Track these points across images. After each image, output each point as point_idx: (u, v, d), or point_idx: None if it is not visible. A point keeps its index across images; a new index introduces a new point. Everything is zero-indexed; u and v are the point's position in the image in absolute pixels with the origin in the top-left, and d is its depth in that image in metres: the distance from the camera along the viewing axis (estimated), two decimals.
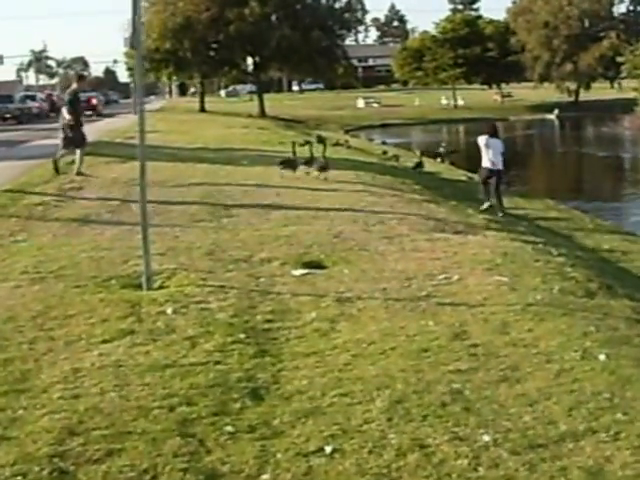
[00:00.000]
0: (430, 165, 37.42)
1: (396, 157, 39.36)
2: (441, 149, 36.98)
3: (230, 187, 19.89)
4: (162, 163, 24.02)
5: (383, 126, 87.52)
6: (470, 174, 35.82)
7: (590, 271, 12.85)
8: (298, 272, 10.87)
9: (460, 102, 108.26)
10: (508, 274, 11.02)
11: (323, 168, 21.78)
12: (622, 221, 28.76)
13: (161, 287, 10.22)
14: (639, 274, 15.97)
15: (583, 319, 9.10)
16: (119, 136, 36.66)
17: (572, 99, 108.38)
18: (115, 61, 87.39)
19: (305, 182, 20.77)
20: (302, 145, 24.22)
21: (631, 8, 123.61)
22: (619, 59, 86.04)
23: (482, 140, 21.24)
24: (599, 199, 35.45)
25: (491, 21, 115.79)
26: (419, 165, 34.13)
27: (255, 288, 10.13)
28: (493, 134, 21.54)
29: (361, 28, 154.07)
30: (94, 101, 73.34)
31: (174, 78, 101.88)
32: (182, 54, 79.71)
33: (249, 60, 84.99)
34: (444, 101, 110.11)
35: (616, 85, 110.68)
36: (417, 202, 19.14)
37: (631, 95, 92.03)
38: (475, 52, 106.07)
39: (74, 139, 22.55)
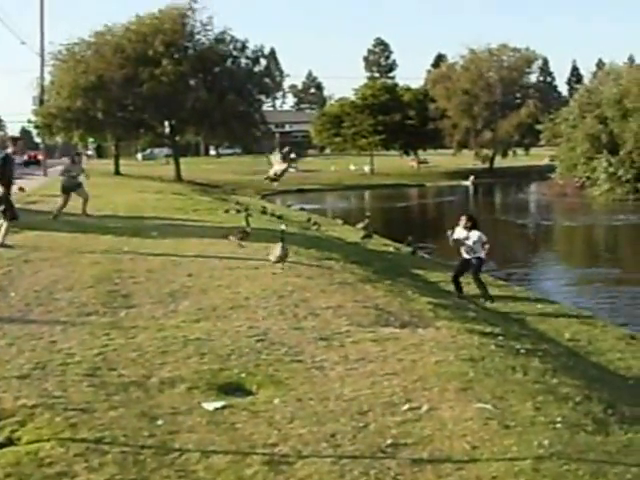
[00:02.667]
0: (351, 233, 35.27)
1: (318, 225, 36.90)
2: (366, 220, 34.88)
3: (134, 266, 17.05)
4: (62, 234, 21.63)
5: (300, 191, 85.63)
6: (395, 244, 33.96)
7: (577, 380, 10.39)
8: (212, 405, 8.00)
9: (366, 168, 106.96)
10: (489, 397, 8.47)
11: (243, 238, 20.24)
12: (556, 292, 27.21)
13: (3, 445, 6.97)
14: (622, 374, 13.64)
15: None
16: (20, 200, 33.49)
17: (487, 166, 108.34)
18: (29, 121, 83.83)
19: (224, 259, 18.05)
20: (226, 211, 21.84)
21: (541, 78, 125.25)
22: (538, 127, 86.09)
23: (461, 234, 20.10)
24: (525, 267, 34.45)
25: (409, 88, 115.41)
26: (368, 236, 32.39)
27: (148, 442, 7.08)
28: (473, 226, 20.21)
29: (279, 94, 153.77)
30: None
31: (90, 139, 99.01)
32: (94, 114, 76.90)
33: (165, 122, 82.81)
34: (352, 167, 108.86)
35: (512, 152, 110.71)
36: (351, 284, 16.52)
37: (543, 162, 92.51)
38: (395, 119, 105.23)
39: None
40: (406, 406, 8.08)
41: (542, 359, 11.24)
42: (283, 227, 17.43)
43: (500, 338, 12.42)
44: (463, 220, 19.95)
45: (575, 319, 19.35)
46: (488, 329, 13.45)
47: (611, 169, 69.01)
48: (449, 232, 19.97)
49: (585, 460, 6.87)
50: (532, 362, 10.76)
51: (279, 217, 39.05)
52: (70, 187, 27.94)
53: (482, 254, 20.04)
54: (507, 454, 6.93)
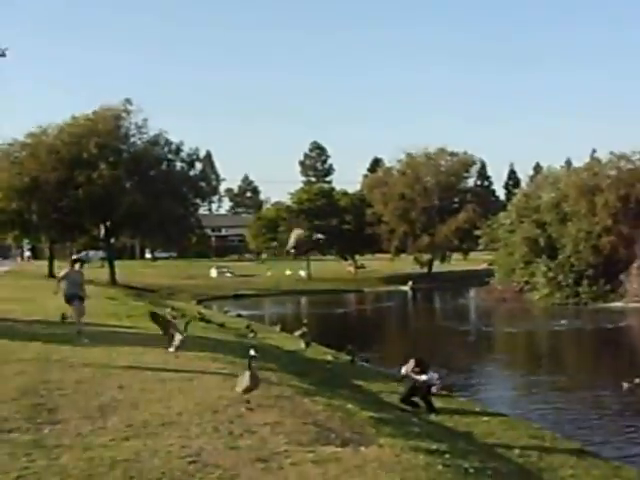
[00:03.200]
0: (289, 341, 34.67)
1: (255, 333, 36.23)
2: (303, 328, 34.43)
3: (63, 376, 16.25)
4: None
5: (236, 296, 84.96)
6: (334, 352, 33.42)
7: None
8: None
9: (303, 273, 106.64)
10: None
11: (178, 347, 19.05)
12: (501, 402, 27.12)
13: None
14: None
15: None
16: None
17: (426, 271, 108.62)
18: None
19: (157, 370, 17.27)
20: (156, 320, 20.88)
21: (479, 182, 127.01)
22: (476, 232, 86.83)
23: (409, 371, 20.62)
24: (468, 376, 34.07)
25: (346, 193, 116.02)
26: (307, 344, 32.31)
27: None
28: (422, 371, 20.63)
29: (215, 197, 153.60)
30: None
31: (26, 241, 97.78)
32: (29, 216, 76.01)
33: (100, 225, 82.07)
34: (288, 272, 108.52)
35: (448, 258, 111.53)
36: (289, 397, 15.83)
37: (481, 267, 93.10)
38: (331, 223, 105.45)
39: None
40: None
41: (489, 478, 10.67)
42: (252, 353, 13.71)
43: (447, 456, 11.81)
44: (412, 364, 20.02)
45: (523, 432, 18.87)
46: (434, 446, 12.82)
47: (550, 273, 69.63)
48: (403, 370, 20.51)
49: None
50: None
51: (221, 325, 38.30)
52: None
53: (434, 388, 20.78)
54: None
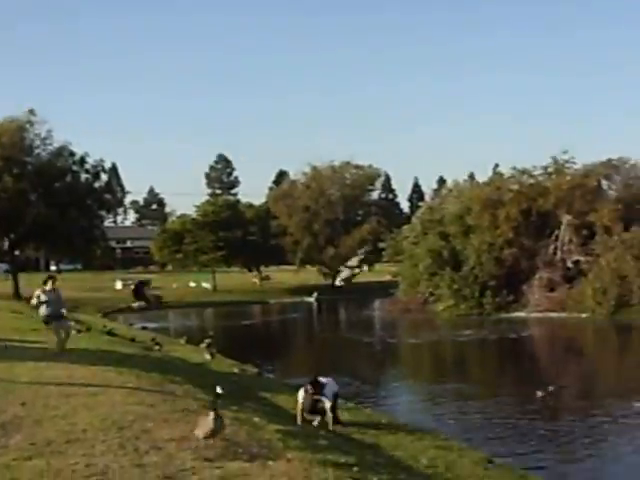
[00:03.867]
0: (194, 353, 34.39)
1: (160, 346, 35.77)
2: (209, 340, 34.25)
3: None
4: None
5: (142, 309, 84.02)
6: (240, 364, 33.27)
7: None
8: None
9: (207, 285, 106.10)
10: None
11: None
12: (407, 413, 27.46)
13: None
14: None
15: None
16: None
17: (331, 282, 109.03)
18: None
19: (61, 385, 16.91)
20: None
21: (383, 196, 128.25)
22: (380, 244, 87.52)
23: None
24: (374, 388, 34.50)
25: (252, 205, 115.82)
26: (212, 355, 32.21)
27: None
28: (316, 392, 19.02)
29: (120, 210, 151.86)
30: None
31: None
32: None
33: (4, 238, 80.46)
34: (192, 284, 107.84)
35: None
36: (195, 411, 15.64)
37: (386, 278, 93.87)
38: (236, 235, 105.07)
39: None
40: None
41: None
42: (219, 390, 12.13)
43: (355, 469, 11.80)
44: (308, 389, 18.82)
45: (430, 442, 18.97)
46: (342, 459, 12.79)
47: (454, 285, 70.52)
48: (300, 398, 18.88)
49: None
50: None
51: (127, 338, 37.70)
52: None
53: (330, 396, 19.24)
54: None
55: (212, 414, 11.71)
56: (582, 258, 68.61)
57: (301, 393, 18.78)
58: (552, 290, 68.98)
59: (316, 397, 18.62)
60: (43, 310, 23.38)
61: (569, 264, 69.79)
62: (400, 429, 20.85)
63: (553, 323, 63.05)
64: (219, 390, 12.09)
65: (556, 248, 70.49)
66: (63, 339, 23.32)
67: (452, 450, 18.25)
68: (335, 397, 19.31)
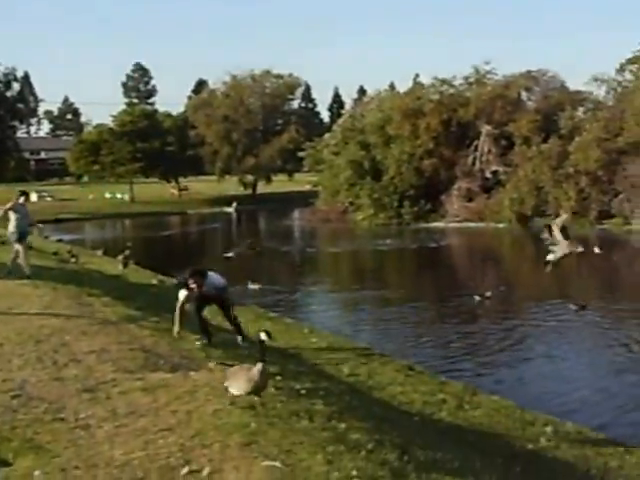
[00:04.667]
0: (112, 265, 33.87)
1: (76, 258, 35.03)
2: (127, 251, 33.66)
3: None
4: None
5: (57, 221, 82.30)
6: (160, 275, 32.93)
7: (365, 422, 9.76)
8: None
9: (125, 196, 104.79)
10: (276, 451, 7.65)
11: None
12: (327, 321, 27.47)
13: None
14: (407, 410, 13.19)
15: None
16: None
17: (250, 192, 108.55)
18: None
19: None
20: None
21: (303, 105, 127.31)
22: (300, 153, 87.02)
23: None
24: (293, 296, 34.47)
25: (170, 114, 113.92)
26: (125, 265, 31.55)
27: None
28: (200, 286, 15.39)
29: (33, 120, 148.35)
30: None
31: None
32: None
33: None
34: (108, 195, 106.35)
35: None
36: (114, 323, 15.36)
37: (306, 188, 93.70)
38: (154, 146, 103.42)
39: None
40: (186, 469, 7.14)
41: (325, 400, 10.59)
42: (264, 336, 9.41)
43: (278, 378, 11.66)
44: (191, 282, 15.22)
45: (352, 351, 18.98)
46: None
47: (374, 195, 70.58)
48: (181, 296, 15.40)
49: None
50: (316, 405, 10.07)
51: (49, 253, 36.77)
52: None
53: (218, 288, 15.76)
54: None
55: (260, 366, 9.08)
56: (500, 168, 69.17)
57: (182, 292, 15.38)
58: (470, 200, 69.60)
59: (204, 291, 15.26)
60: (15, 226, 22.32)
61: (487, 174, 70.35)
62: (322, 338, 20.82)
63: (471, 232, 63.79)
64: (264, 336, 9.38)
65: (475, 158, 70.93)
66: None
67: (373, 358, 18.28)
68: (224, 291, 15.91)
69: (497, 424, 13.50)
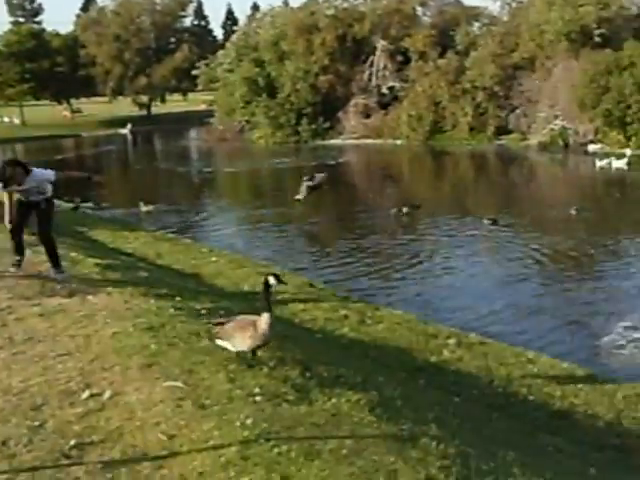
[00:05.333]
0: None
1: None
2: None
3: None
4: None
5: None
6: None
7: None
8: None
9: (15, 120, 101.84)
10: (178, 371, 7.56)
11: None
12: (226, 239, 27.54)
13: None
14: (310, 327, 13.21)
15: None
16: None
17: (145, 113, 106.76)
18: None
19: None
20: None
21: (196, 22, 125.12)
22: (194, 72, 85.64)
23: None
24: (191, 216, 34.47)
25: (58, 34, 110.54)
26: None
27: None
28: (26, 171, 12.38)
29: None
30: None
31: None
32: None
33: None
34: None
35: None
36: (8, 250, 14.89)
37: (201, 107, 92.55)
38: (43, 66, 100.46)
39: None
40: (86, 393, 7.00)
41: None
42: (272, 280, 8.16)
43: (178, 299, 11.55)
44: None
45: (251, 269, 18.90)
46: (164, 290, 12.52)
47: (271, 113, 69.99)
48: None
49: (296, 438, 6.14)
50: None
51: None
52: None
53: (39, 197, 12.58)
54: (209, 441, 6.06)
55: (266, 316, 8.00)
56: (397, 84, 69.22)
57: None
58: (368, 116, 69.63)
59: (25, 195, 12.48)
60: None
61: (384, 90, 70.34)
62: (221, 257, 20.71)
63: (369, 149, 63.97)
64: (272, 281, 8.19)
65: (371, 74, 70.78)
66: None
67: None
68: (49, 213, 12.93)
69: (400, 338, 13.64)
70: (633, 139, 51.45)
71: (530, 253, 25.04)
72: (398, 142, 64.98)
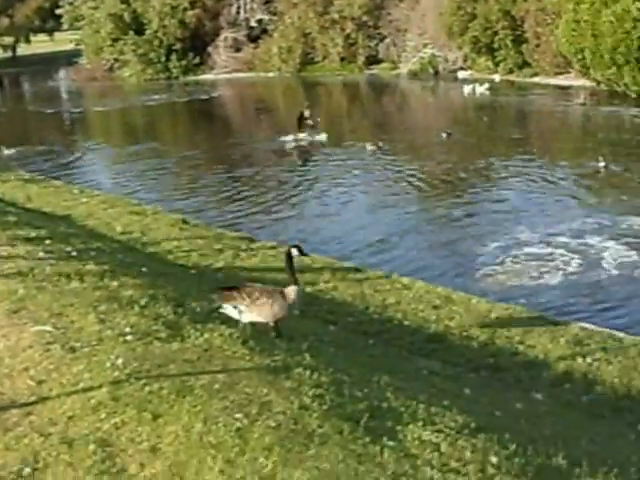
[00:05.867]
0: None
1: None
2: None
3: None
4: None
5: None
6: None
7: (139, 279, 9.63)
8: None
9: None
10: (47, 315, 7.44)
11: None
12: (99, 180, 27.11)
13: None
14: (184, 263, 13.09)
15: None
16: None
17: (10, 55, 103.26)
18: None
19: None
20: None
21: None
22: (58, 11, 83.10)
23: None
24: (63, 159, 33.17)
25: None
26: None
27: None
28: None
29: None
30: None
31: None
32: None
33: None
34: None
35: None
36: None
37: (69, 47, 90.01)
38: None
39: None
40: None
41: (97, 260, 10.38)
42: (295, 252, 8.20)
43: (47, 242, 11.31)
44: None
45: (123, 209, 18.63)
46: (33, 233, 12.25)
47: (139, 50, 68.43)
48: None
49: (167, 376, 6.10)
50: (87, 265, 9.83)
51: None
52: None
53: None
54: (79, 384, 5.98)
55: (295, 288, 7.91)
56: (265, 17, 68.45)
57: None
58: (238, 50, 68.77)
59: None
60: None
61: (253, 23, 69.43)
62: (92, 198, 20.36)
63: (242, 83, 63.35)
64: (295, 252, 8.17)
65: (239, 8, 69.77)
66: None
67: (146, 214, 18.01)
68: None
69: (274, 270, 13.65)
70: (501, 65, 52.18)
71: (406, 178, 25.35)
72: (270, 75, 64.47)
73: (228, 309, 7.75)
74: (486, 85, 45.69)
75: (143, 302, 8.17)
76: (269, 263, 14.09)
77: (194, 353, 6.72)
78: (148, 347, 6.78)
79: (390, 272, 14.52)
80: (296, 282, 7.97)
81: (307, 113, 32.79)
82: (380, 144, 30.30)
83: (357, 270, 14.19)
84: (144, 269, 10.86)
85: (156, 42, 67.68)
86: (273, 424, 5.27)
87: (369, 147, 29.87)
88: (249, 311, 7.67)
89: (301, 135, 32.02)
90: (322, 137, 32.02)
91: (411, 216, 21.13)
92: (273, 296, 7.77)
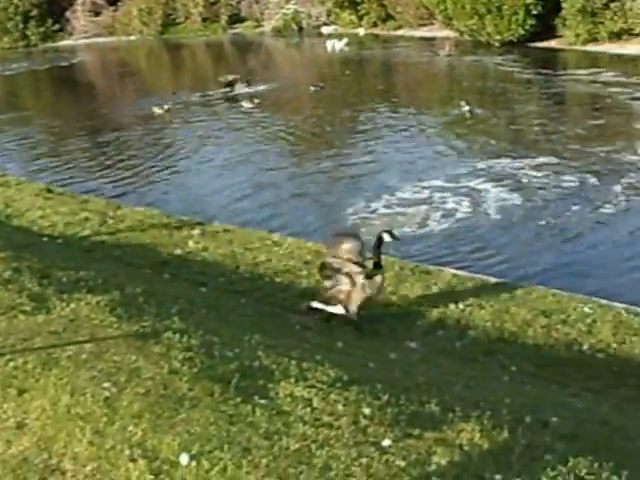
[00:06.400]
0: None
1: None
2: None
3: None
4: None
5: None
6: None
7: (1, 252, 9.32)
8: None
9: None
10: None
11: None
12: None
13: None
14: (50, 233, 12.74)
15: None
16: None
17: None
18: None
19: None
20: None
21: None
22: None
23: None
24: None
25: None
26: None
27: None
28: None
29: None
30: None
31: None
32: None
33: None
34: None
35: None
36: None
37: None
38: None
39: None
40: None
41: None
42: (387, 238, 8.63)
43: None
44: None
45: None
46: None
47: None
48: None
49: (32, 349, 5.93)
50: None
51: None
52: None
53: None
54: None
55: (379, 275, 8.48)
56: None
57: None
58: (97, 14, 67.17)
59: None
60: None
61: None
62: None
63: (103, 48, 61.94)
64: (387, 238, 8.42)
65: None
66: None
67: (9, 185, 17.52)
68: None
69: (144, 235, 13.48)
70: (365, 18, 52.32)
71: (276, 134, 25.32)
72: (132, 38, 63.30)
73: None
74: (345, 40, 45.92)
75: (6, 275, 7.95)
76: (138, 229, 13.86)
77: (60, 324, 6.56)
78: (12, 321, 6.60)
79: (260, 228, 14.48)
80: (381, 267, 8.58)
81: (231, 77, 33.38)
82: (256, 101, 30.17)
83: (226, 230, 14.08)
84: (7, 242, 10.57)
85: (12, 9, 65.50)
86: (142, 391, 5.18)
87: (245, 105, 29.70)
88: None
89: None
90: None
91: (281, 171, 21.03)
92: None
